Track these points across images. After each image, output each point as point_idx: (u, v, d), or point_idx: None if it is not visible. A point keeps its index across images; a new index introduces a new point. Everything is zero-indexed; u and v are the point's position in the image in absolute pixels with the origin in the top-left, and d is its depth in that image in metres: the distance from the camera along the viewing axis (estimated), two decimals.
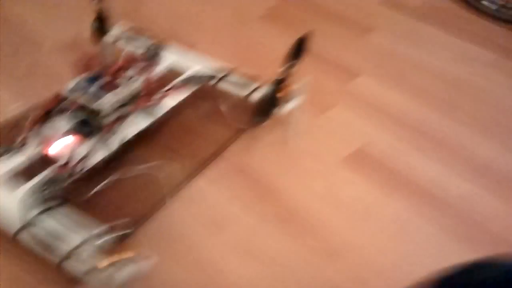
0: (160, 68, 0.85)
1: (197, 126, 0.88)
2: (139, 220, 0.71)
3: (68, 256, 0.56)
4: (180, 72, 0.88)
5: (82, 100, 0.71)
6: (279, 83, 0.78)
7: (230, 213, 0.75)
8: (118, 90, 0.73)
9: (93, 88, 0.72)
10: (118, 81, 0.75)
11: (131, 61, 0.78)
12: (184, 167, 0.80)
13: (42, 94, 0.89)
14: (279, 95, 0.78)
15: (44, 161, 0.70)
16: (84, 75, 0.75)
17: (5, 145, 0.70)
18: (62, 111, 0.74)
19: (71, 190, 0.66)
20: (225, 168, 0.83)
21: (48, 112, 0.72)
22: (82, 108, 0.71)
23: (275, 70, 1.00)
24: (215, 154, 0.84)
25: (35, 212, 0.60)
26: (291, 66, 0.78)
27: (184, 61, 0.90)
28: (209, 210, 0.76)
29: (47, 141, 0.70)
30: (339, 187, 0.81)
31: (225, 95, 0.88)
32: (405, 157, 0.87)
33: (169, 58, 0.89)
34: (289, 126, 0.89)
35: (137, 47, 0.92)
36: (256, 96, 0.83)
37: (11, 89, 0.95)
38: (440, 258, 0.71)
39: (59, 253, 0.56)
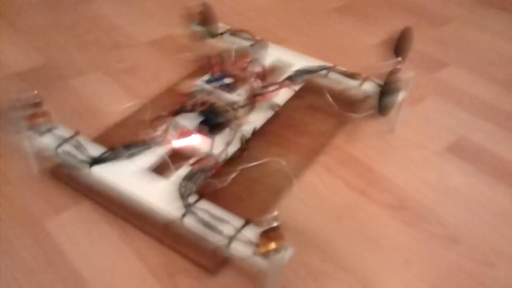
0: (267, 64, 0.88)
1: (305, 117, 0.91)
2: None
3: (233, 238, 0.60)
4: (283, 68, 0.91)
5: (213, 97, 0.75)
6: (393, 75, 0.81)
7: (351, 200, 0.79)
8: (244, 86, 0.77)
9: (228, 81, 0.76)
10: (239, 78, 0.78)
11: (246, 60, 0.81)
12: (300, 156, 0.83)
13: (150, 94, 0.94)
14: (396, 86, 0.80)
15: (178, 156, 0.74)
16: (207, 75, 0.79)
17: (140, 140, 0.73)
18: (190, 109, 0.78)
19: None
20: (337, 155, 0.86)
21: (182, 105, 0.76)
22: (213, 103, 0.75)
23: (366, 60, 1.04)
24: (326, 142, 0.87)
25: (192, 200, 0.64)
26: (402, 59, 0.81)
27: (286, 57, 0.94)
28: (330, 197, 0.79)
29: (187, 134, 0.74)
30: (448, 175, 0.84)
31: (328, 88, 0.91)
32: (508, 145, 0.90)
33: (272, 55, 0.92)
34: (390, 117, 0.92)
35: (240, 44, 0.96)
36: (367, 87, 0.86)
37: (121, 85, 0.99)
38: None
39: (222, 236, 0.60)
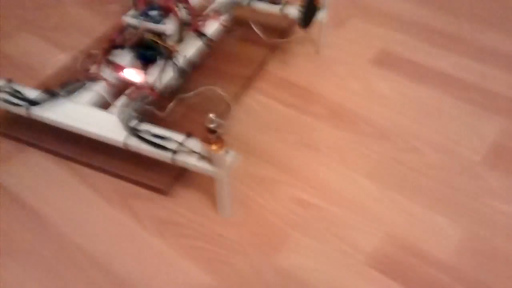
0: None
1: (236, 48, 0.95)
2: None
3: (177, 151, 0.63)
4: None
5: (147, 25, 0.76)
6: None
7: (287, 115, 0.84)
8: (173, 16, 0.79)
9: (154, 13, 0.77)
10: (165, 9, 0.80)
11: None
12: (235, 84, 0.87)
13: (79, 46, 0.94)
14: (316, 4, 0.85)
15: (120, 87, 0.76)
16: (132, 10, 0.80)
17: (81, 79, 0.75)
18: (120, 45, 0.79)
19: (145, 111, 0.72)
20: (270, 80, 0.90)
21: (112, 43, 0.78)
22: (142, 37, 0.77)
23: None
24: (258, 69, 0.91)
25: (134, 122, 0.67)
26: None
27: None
28: (267, 116, 0.84)
29: (120, 69, 0.76)
30: (374, 83, 0.91)
31: (253, 19, 0.95)
32: (423, 52, 0.97)
33: None
34: (316, 38, 0.98)
35: None
36: (290, 11, 0.90)
37: (49, 42, 0.99)
38: (471, 125, 0.82)
39: (167, 151, 0.63)
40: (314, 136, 0.80)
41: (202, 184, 0.72)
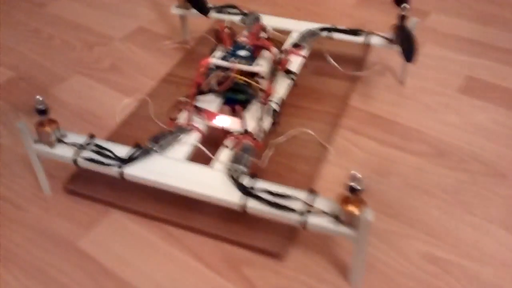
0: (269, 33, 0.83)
1: (314, 83, 0.87)
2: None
3: (308, 213, 0.54)
4: (283, 36, 0.86)
5: (238, 66, 0.68)
6: (404, 21, 0.78)
7: (388, 156, 0.75)
8: (265, 54, 0.71)
9: (244, 53, 0.69)
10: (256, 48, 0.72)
11: (259, 29, 0.75)
12: (324, 123, 0.79)
13: (142, 88, 0.86)
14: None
15: (214, 136, 0.67)
16: (219, 51, 0.72)
17: (165, 131, 0.66)
18: (208, 90, 0.71)
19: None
20: (357, 116, 0.82)
21: (199, 87, 0.69)
22: (234, 80, 0.69)
23: (351, 18, 1.01)
24: (343, 105, 0.83)
25: (245, 179, 0.58)
26: (407, 7, 0.78)
27: (282, 25, 0.89)
28: (366, 157, 0.75)
29: (212, 116, 0.67)
30: (470, 114, 0.83)
31: (327, 50, 0.87)
32: (510, 76, 0.90)
33: (269, 24, 0.87)
34: (396, 68, 0.90)
35: (232, 18, 0.90)
36: (374, 41, 0.83)
37: (108, 85, 0.90)
38: None
39: (296, 213, 0.55)
40: (425, 179, 0.72)
41: (317, 244, 0.63)
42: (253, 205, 0.56)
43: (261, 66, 0.69)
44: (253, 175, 0.59)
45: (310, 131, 0.76)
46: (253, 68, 0.68)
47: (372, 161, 0.75)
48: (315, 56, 0.87)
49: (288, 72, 0.76)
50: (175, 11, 0.92)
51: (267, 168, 0.69)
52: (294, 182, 0.68)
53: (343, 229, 0.53)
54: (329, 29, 0.86)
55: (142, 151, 0.62)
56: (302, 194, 0.56)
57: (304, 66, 0.83)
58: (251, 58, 0.70)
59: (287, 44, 0.84)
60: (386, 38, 0.83)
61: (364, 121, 0.81)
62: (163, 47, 0.99)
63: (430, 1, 1.14)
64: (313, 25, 0.88)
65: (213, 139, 0.67)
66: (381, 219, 0.66)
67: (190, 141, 0.65)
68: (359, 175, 0.51)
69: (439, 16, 1.09)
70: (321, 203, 0.55)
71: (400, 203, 0.68)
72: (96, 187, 0.67)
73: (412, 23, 0.80)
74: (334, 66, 0.86)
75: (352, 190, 0.51)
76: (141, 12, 1.11)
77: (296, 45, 0.83)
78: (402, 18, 0.78)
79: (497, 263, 0.61)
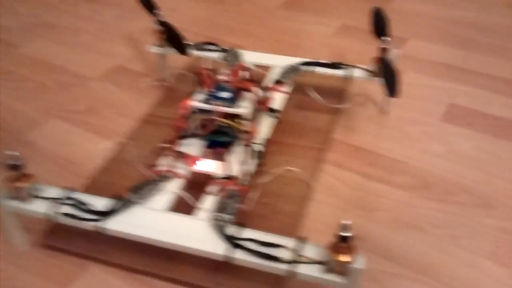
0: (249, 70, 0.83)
1: (297, 118, 0.86)
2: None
3: (296, 262, 0.53)
4: (263, 71, 0.86)
5: (221, 108, 0.67)
6: (386, 55, 0.78)
7: (373, 191, 0.75)
8: (247, 94, 0.70)
9: (225, 95, 0.68)
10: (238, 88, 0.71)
11: (240, 69, 0.75)
12: (308, 159, 0.78)
13: (120, 129, 0.84)
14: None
15: (198, 182, 0.66)
16: (200, 93, 0.71)
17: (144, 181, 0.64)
18: (191, 134, 0.70)
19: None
20: (341, 150, 0.82)
21: (180, 131, 0.68)
22: (218, 123, 0.68)
23: (330, 50, 1.02)
24: (327, 139, 0.83)
25: (231, 229, 0.57)
26: (388, 37, 0.78)
27: (262, 61, 0.89)
28: (352, 193, 0.74)
29: (194, 161, 0.66)
30: (454, 143, 0.83)
31: (310, 84, 0.87)
32: (494, 103, 0.91)
33: (249, 60, 0.87)
34: (378, 98, 0.90)
35: (212, 55, 0.89)
36: (357, 74, 0.83)
37: (84, 127, 0.88)
38: None
39: (283, 263, 0.53)
40: (413, 213, 0.71)
41: None
42: (239, 256, 0.54)
43: (244, 107, 0.68)
44: (239, 224, 0.57)
45: (294, 169, 0.75)
46: (236, 110, 0.67)
47: (357, 196, 0.74)
48: (297, 90, 0.87)
49: (271, 110, 0.76)
50: (153, 49, 0.91)
51: (252, 210, 0.67)
52: (280, 224, 0.67)
53: (333, 277, 0.52)
54: (310, 64, 0.86)
55: (121, 203, 0.60)
56: (290, 242, 0.55)
57: (287, 101, 0.82)
58: (233, 100, 0.69)
59: (269, 80, 0.83)
60: (368, 71, 0.83)
61: (348, 155, 0.81)
62: (142, 85, 0.98)
63: (408, 27, 1.15)
64: (294, 60, 0.87)
65: (197, 185, 0.65)
66: (370, 258, 0.64)
67: (172, 189, 0.63)
68: (348, 223, 0.49)
69: (417, 42, 1.10)
70: (309, 251, 0.54)
71: (388, 240, 0.68)
72: (75, 240, 0.65)
73: (393, 54, 0.80)
74: (317, 100, 0.86)
75: (343, 239, 0.50)
76: (118, 50, 1.10)
77: (278, 82, 0.82)
78: (383, 50, 0.78)
79: None
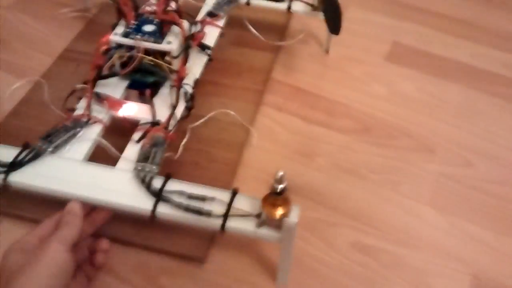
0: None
1: (234, 56, 0.80)
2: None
3: (227, 216, 0.49)
4: (197, 5, 0.78)
5: (143, 45, 0.60)
6: None
7: (314, 135, 0.71)
8: (174, 29, 0.63)
9: (150, 28, 0.61)
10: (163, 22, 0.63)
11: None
12: (246, 101, 0.73)
13: (38, 68, 0.75)
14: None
15: (122, 128, 0.60)
16: (120, 26, 0.63)
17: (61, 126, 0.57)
18: (110, 73, 0.62)
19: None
20: (282, 91, 0.77)
21: (99, 71, 0.60)
22: (141, 60, 0.60)
23: None
24: (266, 80, 0.78)
25: (159, 181, 0.52)
26: None
27: None
28: (292, 138, 0.71)
29: (117, 104, 0.59)
30: (397, 84, 0.80)
31: (249, 19, 0.80)
32: (439, 42, 0.88)
33: None
34: (321, 35, 0.85)
35: None
36: (296, 8, 0.77)
37: (4, 67, 0.78)
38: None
39: (214, 216, 0.49)
40: (353, 159, 0.69)
41: (243, 244, 0.58)
42: (164, 211, 0.50)
43: (170, 43, 0.60)
44: (166, 175, 0.52)
45: (231, 112, 0.70)
46: (162, 46, 0.60)
47: (297, 141, 0.70)
48: (234, 25, 0.80)
49: (203, 47, 0.68)
50: None
51: (185, 159, 0.62)
52: (215, 172, 0.63)
53: (267, 231, 0.49)
54: None
55: (31, 152, 0.53)
56: (221, 194, 0.51)
57: (222, 37, 0.75)
58: (159, 35, 0.61)
59: (202, 14, 0.75)
60: (310, 5, 0.77)
61: (289, 97, 0.76)
62: (60, 16, 0.87)
63: None
64: None
65: (119, 131, 0.59)
66: (308, 206, 0.62)
67: (91, 136, 0.56)
68: (282, 173, 0.45)
69: None
70: (242, 203, 0.50)
71: (327, 187, 0.65)
72: None
73: None
74: (255, 36, 0.79)
75: (276, 191, 0.46)
76: None
77: (212, 14, 0.75)
78: None
79: (427, 246, 0.59)
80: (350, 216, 0.62)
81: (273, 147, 0.69)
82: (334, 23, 0.70)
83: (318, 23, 0.78)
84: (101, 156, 0.56)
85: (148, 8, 0.66)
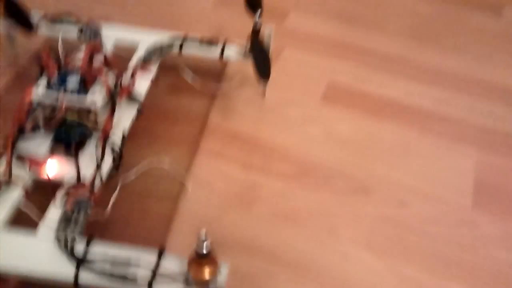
0: (109, 48, 0.74)
1: (169, 102, 0.80)
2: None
3: (153, 279, 0.47)
4: (131, 49, 0.77)
5: (66, 101, 0.58)
6: (257, 35, 0.73)
7: (251, 183, 0.71)
8: (99, 82, 0.62)
9: (73, 85, 0.59)
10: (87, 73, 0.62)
11: (93, 49, 0.65)
12: (180, 149, 0.72)
13: None
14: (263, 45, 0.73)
15: (44, 188, 0.57)
16: (42, 78, 0.62)
17: None
18: (33, 128, 0.60)
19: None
20: (218, 136, 0.77)
21: (22, 127, 0.58)
22: (64, 114, 0.59)
23: (210, 23, 0.95)
24: (202, 126, 0.77)
25: (81, 245, 0.50)
26: (260, 16, 0.73)
27: (127, 36, 0.79)
28: (228, 188, 0.70)
29: (38, 164, 0.57)
30: (333, 125, 0.81)
31: (185, 64, 0.80)
32: (372, 80, 0.90)
33: (112, 37, 0.77)
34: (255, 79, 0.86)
35: (66, 33, 0.78)
36: (229, 52, 0.77)
37: None
38: (445, 162, 0.77)
39: (139, 282, 0.47)
40: (290, 204, 0.69)
41: None
42: (90, 279, 0.48)
43: (94, 98, 0.59)
44: (89, 238, 0.50)
45: (165, 162, 0.69)
46: (84, 101, 0.59)
47: (234, 190, 0.70)
48: (169, 70, 0.80)
49: (132, 97, 0.68)
50: None
51: (115, 217, 0.60)
52: (147, 230, 0.62)
53: None
54: (181, 40, 0.78)
55: None
56: (147, 256, 0.49)
57: (157, 84, 0.75)
58: (81, 88, 0.60)
59: (134, 61, 0.75)
60: (241, 50, 0.78)
61: (225, 143, 0.76)
62: None
63: (287, 2, 1.11)
64: (164, 35, 0.79)
65: (43, 192, 0.57)
66: (246, 259, 0.62)
67: (11, 200, 0.54)
68: (203, 237, 0.45)
69: (298, 15, 1.07)
70: (170, 263, 0.49)
71: (266, 236, 0.65)
72: None
73: (267, 32, 0.75)
74: (191, 82, 0.79)
75: (200, 254, 0.45)
76: None
77: (145, 61, 0.74)
78: (256, 26, 0.73)
79: None
80: (288, 266, 0.62)
81: (210, 197, 0.68)
82: (262, 69, 0.70)
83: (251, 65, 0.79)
84: (24, 218, 0.54)
85: (78, 57, 0.64)
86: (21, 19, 0.75)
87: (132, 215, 0.63)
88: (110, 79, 0.63)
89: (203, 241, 0.45)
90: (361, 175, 0.73)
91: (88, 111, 0.60)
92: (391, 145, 0.79)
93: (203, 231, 0.44)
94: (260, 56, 0.70)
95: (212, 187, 0.70)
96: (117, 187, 0.61)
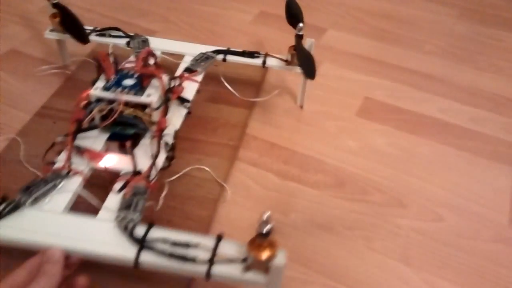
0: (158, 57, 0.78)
1: (209, 112, 0.83)
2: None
3: (213, 261, 0.50)
4: (175, 63, 0.81)
5: (126, 98, 0.63)
6: (301, 39, 0.76)
7: (288, 190, 0.74)
8: (155, 83, 0.66)
9: (129, 83, 0.64)
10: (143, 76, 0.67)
11: (146, 55, 0.70)
12: (221, 157, 0.75)
13: (15, 125, 0.77)
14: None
15: (103, 179, 0.61)
16: (100, 81, 0.66)
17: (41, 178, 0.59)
18: (90, 126, 0.64)
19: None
20: (256, 146, 0.81)
21: (79, 124, 0.62)
22: (121, 113, 0.63)
23: (249, 38, 0.99)
24: (242, 135, 0.80)
25: (141, 229, 0.52)
26: (302, 23, 0.77)
27: (172, 48, 0.84)
28: (266, 193, 0.73)
29: (97, 156, 0.61)
30: (369, 139, 0.84)
31: (225, 76, 0.83)
32: (408, 97, 0.93)
33: (158, 48, 0.81)
34: (296, 90, 0.89)
35: (115, 42, 0.83)
36: (271, 63, 0.81)
37: None
38: (483, 179, 0.78)
39: (199, 263, 0.50)
40: (326, 214, 0.71)
41: None
42: (150, 260, 0.50)
43: (150, 95, 0.63)
44: (150, 223, 0.53)
45: (206, 168, 0.72)
46: (143, 99, 0.63)
47: (272, 197, 0.72)
48: (211, 81, 0.84)
49: (182, 100, 0.71)
50: (50, 35, 0.83)
51: (159, 215, 0.63)
52: (188, 231, 0.63)
53: (253, 276, 0.50)
54: (223, 52, 0.82)
55: (10, 205, 0.54)
56: (205, 240, 0.52)
57: (199, 93, 0.78)
58: (139, 88, 0.64)
59: (180, 70, 0.78)
60: (283, 60, 0.81)
61: (263, 152, 0.79)
62: (39, 73, 0.89)
63: (327, 17, 1.15)
64: (207, 48, 0.84)
65: (100, 183, 0.61)
66: None
67: (71, 188, 0.58)
68: (267, 214, 0.47)
69: (336, 32, 1.11)
70: (226, 248, 0.52)
71: (301, 243, 0.67)
72: None
73: (308, 43, 0.78)
74: (231, 92, 0.82)
75: (262, 233, 0.47)
76: (13, 31, 1.00)
77: (190, 70, 0.78)
78: (298, 38, 0.76)
79: None
80: (323, 274, 0.64)
81: (247, 203, 0.71)
82: (308, 70, 0.75)
83: (293, 78, 0.83)
84: (82, 207, 0.58)
85: (127, 65, 0.69)
86: (77, 33, 0.80)
87: (173, 216, 0.66)
88: (165, 80, 0.66)
89: (266, 223, 0.46)
90: (397, 188, 0.75)
91: (144, 109, 0.63)
92: (427, 160, 0.80)
93: (268, 213, 0.47)
94: (305, 57, 0.74)
95: (250, 193, 0.73)
96: (164, 185, 0.64)
